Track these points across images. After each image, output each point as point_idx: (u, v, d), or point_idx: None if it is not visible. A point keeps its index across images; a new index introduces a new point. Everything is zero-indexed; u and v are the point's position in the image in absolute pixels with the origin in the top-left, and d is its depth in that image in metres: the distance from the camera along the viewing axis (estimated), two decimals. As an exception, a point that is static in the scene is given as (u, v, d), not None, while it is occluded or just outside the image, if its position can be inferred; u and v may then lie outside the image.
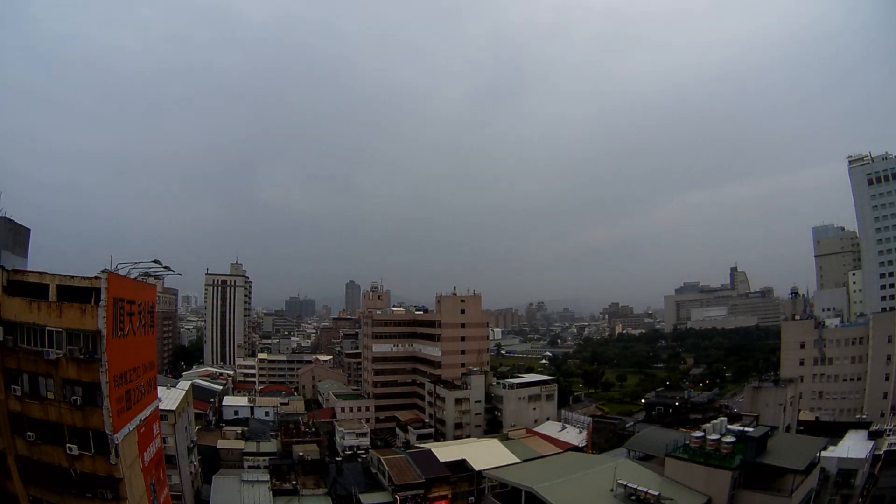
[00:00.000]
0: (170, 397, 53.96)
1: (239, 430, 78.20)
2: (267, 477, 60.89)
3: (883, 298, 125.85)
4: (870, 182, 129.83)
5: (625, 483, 40.00)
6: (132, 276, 36.77)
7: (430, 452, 68.25)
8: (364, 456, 75.86)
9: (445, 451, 68.77)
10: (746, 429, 46.31)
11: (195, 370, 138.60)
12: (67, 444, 29.42)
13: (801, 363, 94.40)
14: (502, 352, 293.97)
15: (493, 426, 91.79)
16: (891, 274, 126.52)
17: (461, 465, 65.60)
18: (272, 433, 79.71)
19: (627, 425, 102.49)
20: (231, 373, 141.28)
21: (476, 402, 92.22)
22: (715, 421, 49.93)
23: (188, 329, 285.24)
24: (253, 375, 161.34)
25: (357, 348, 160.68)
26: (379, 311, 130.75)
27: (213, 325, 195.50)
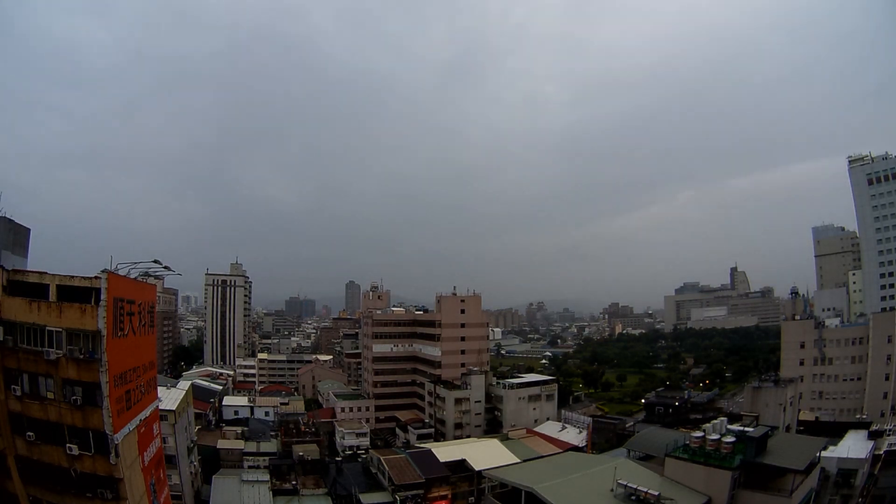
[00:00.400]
0: (170, 397, 53.94)
1: (239, 430, 78.22)
2: (267, 477, 60.90)
3: (883, 298, 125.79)
4: (870, 182, 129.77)
5: (625, 483, 40.00)
6: (132, 276, 36.76)
7: (430, 452, 68.23)
8: (364, 456, 75.82)
9: (445, 451, 68.77)
10: (746, 429, 46.33)
11: (195, 370, 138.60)
12: (67, 444, 29.41)
13: (801, 363, 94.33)
14: (502, 352, 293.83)
15: (493, 426, 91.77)
16: (891, 274, 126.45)
17: (461, 465, 65.60)
18: (272, 433, 79.71)
19: (627, 425, 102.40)
20: (231, 373, 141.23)
21: (476, 402, 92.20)
22: (715, 421, 49.98)
23: (188, 329, 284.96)
24: (253, 375, 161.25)
25: (357, 348, 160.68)
26: (379, 311, 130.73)
27: (213, 325, 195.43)
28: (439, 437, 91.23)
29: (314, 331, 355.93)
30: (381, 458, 65.49)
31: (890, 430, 62.01)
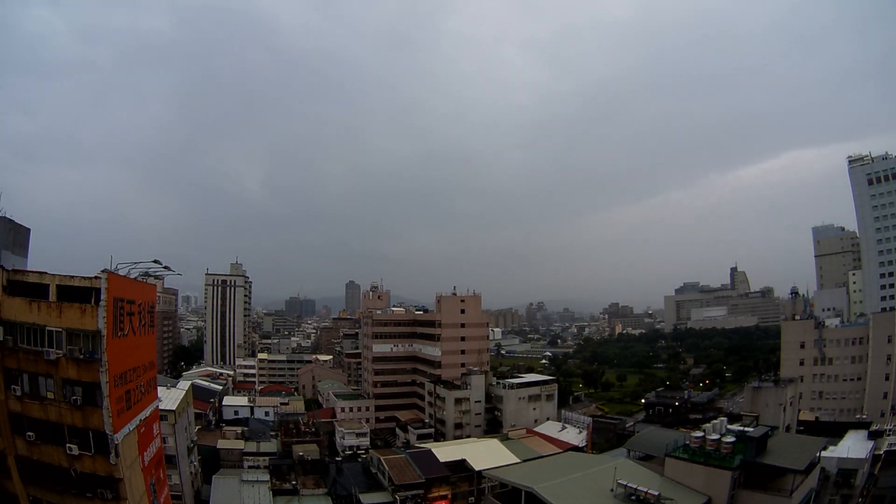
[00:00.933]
0: (170, 397, 53.94)
1: (239, 430, 78.18)
2: (267, 477, 60.91)
3: (883, 298, 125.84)
4: (870, 182, 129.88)
5: (625, 483, 39.97)
6: (132, 276, 36.76)
7: (430, 452, 68.23)
8: (364, 456, 75.85)
9: (445, 451, 68.76)
10: (746, 429, 46.27)
11: (195, 370, 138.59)
12: (67, 444, 29.41)
13: (801, 363, 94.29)
14: (502, 352, 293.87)
15: (493, 426, 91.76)
16: (891, 274, 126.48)
17: (461, 465, 65.59)
18: (272, 433, 79.70)
19: (627, 425, 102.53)
20: (231, 373, 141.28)
21: (476, 402, 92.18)
22: (715, 421, 49.95)
23: (188, 329, 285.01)
24: (253, 375, 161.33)
25: (357, 348, 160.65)
26: (379, 311, 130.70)
27: (213, 325, 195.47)
28: (439, 437, 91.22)
29: (314, 331, 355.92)
30: (381, 458, 65.50)
31: (890, 430, 61.98)
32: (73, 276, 30.17)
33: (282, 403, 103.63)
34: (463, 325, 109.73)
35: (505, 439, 75.36)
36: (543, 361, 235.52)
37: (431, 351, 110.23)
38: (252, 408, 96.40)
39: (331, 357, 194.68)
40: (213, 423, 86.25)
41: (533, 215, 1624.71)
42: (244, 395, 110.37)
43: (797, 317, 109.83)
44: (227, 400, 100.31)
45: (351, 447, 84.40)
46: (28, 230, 40.87)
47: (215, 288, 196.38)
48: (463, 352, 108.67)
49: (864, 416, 79.54)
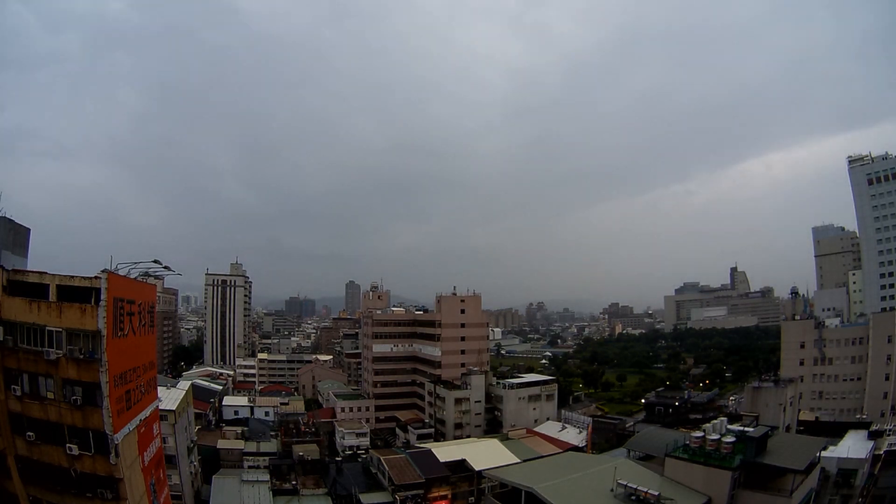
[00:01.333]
0: (170, 397, 53.92)
1: (239, 430, 78.21)
2: (267, 477, 60.93)
3: (883, 298, 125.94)
4: (870, 182, 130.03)
5: (625, 483, 39.98)
6: (132, 276, 36.76)
7: (430, 452, 68.23)
8: (364, 456, 75.86)
9: (445, 451, 68.74)
10: (746, 429, 46.27)
11: (195, 370, 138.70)
12: (67, 444, 29.41)
13: (801, 363, 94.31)
14: (502, 352, 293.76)
15: (493, 426, 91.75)
16: (891, 274, 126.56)
17: (461, 465, 65.56)
18: (272, 433, 79.72)
19: (627, 425, 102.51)
20: (231, 373, 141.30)
21: (476, 402, 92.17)
22: (715, 421, 49.96)
23: (188, 329, 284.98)
24: (253, 375, 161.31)
25: (357, 348, 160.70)
26: (379, 311, 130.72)
27: (213, 325, 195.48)
28: (439, 437, 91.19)
29: (314, 331, 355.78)
30: (381, 458, 65.49)
31: (890, 430, 62.02)
32: (73, 276, 30.15)
33: (282, 403, 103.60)
34: (463, 325, 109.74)
35: (505, 439, 75.35)
36: (543, 361, 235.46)
37: (431, 351, 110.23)
38: (252, 408, 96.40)
39: (331, 357, 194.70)
40: (213, 423, 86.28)
41: (528, 212, 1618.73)
42: (244, 395, 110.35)
43: (797, 317, 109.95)
44: (227, 400, 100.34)
45: (351, 447, 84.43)
46: (28, 230, 40.94)
47: (215, 288, 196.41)
48: (463, 352, 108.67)
49: (864, 416, 79.56)
